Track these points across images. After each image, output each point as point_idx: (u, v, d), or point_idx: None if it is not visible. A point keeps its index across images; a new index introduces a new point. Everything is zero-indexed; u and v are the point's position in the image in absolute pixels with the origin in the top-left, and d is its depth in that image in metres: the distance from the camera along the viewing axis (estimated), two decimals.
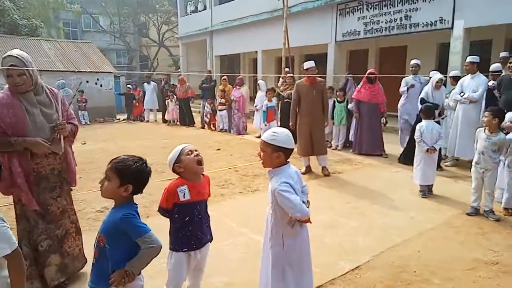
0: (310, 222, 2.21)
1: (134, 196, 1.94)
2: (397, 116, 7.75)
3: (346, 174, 6.11)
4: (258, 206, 4.60)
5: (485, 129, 4.24)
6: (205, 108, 11.68)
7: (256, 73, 15.90)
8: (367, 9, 10.98)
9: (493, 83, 6.17)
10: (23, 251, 2.34)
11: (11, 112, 2.56)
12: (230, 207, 4.67)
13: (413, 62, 7.47)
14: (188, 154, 2.28)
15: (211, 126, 11.59)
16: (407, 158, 6.33)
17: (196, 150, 2.32)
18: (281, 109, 9.00)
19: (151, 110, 14.61)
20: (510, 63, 5.55)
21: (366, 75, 7.43)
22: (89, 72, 14.52)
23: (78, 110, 13.45)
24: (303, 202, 2.15)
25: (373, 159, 7.14)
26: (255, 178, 5.92)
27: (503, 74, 6.03)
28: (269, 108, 9.10)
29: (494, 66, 6.51)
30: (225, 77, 11.17)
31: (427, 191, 5.01)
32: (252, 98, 11.94)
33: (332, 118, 7.97)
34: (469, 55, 6.71)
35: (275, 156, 2.15)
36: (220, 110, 11.03)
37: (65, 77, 13.64)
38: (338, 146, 8.12)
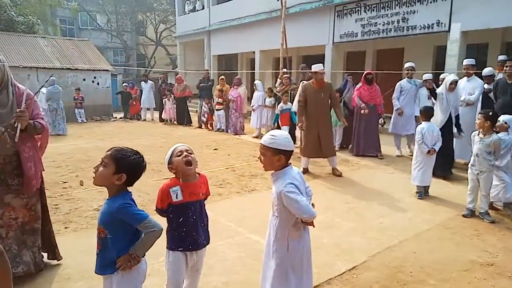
0: (314, 226, 2.22)
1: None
2: (390, 117, 7.77)
3: (343, 175, 6.13)
4: (255, 206, 4.64)
5: (478, 132, 4.29)
6: (203, 107, 11.68)
7: (254, 74, 15.91)
8: (365, 11, 11.03)
9: (488, 87, 6.23)
10: None
11: None
12: (227, 206, 4.67)
13: (407, 65, 7.45)
14: (178, 156, 2.25)
15: (208, 125, 11.59)
16: None
17: (187, 151, 2.28)
18: None
19: (148, 109, 14.59)
20: (506, 66, 5.60)
21: (364, 75, 7.46)
22: (86, 69, 14.47)
23: (75, 108, 13.41)
24: None
25: (370, 160, 7.18)
26: (252, 178, 5.93)
27: (500, 77, 6.08)
28: (284, 111, 8.13)
29: (486, 70, 6.56)
30: (222, 77, 11.18)
31: (423, 192, 5.04)
32: (250, 98, 11.95)
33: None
34: (465, 58, 6.76)
35: (275, 159, 2.14)
36: (217, 110, 11.03)
37: (61, 74, 13.63)
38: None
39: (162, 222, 2.03)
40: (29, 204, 2.89)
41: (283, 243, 2.21)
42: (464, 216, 4.32)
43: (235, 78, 10.94)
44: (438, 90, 6.14)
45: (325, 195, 5.12)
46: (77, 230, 3.87)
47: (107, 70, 15.17)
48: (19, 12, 17.75)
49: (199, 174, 2.39)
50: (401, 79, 7.66)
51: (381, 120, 7.66)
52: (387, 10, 10.42)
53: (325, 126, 6.13)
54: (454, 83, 5.83)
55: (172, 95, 12.76)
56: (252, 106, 10.02)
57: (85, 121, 13.62)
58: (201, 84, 12.04)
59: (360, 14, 11.16)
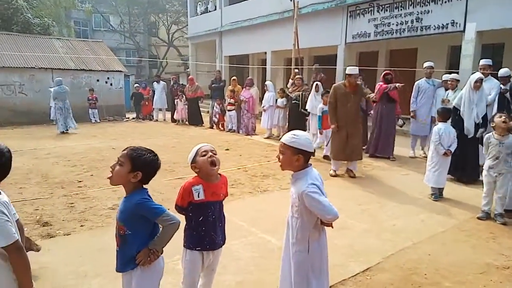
0: (332, 227, 2.21)
1: None
2: (409, 118, 7.71)
3: (356, 176, 6.10)
4: (268, 206, 4.65)
5: (493, 134, 4.22)
6: (214, 108, 11.73)
7: (265, 74, 15.91)
8: (378, 11, 10.96)
9: (504, 87, 6.13)
10: None
11: None
12: (240, 206, 4.69)
13: (426, 64, 7.39)
14: (203, 155, 2.26)
15: (220, 126, 11.63)
16: None
17: (212, 151, 2.29)
18: (290, 110, 9.03)
19: (160, 109, 14.71)
20: None
21: (383, 75, 7.40)
22: (99, 70, 14.67)
23: (89, 108, 13.61)
24: None
25: (382, 161, 7.13)
26: (264, 178, 5.94)
27: None
28: (325, 112, 7.00)
29: (502, 71, 6.44)
30: (234, 77, 11.21)
31: (438, 194, 4.99)
32: (261, 99, 11.96)
33: None
34: (481, 58, 6.66)
35: (294, 158, 2.12)
36: (229, 110, 11.07)
37: (75, 75, 13.86)
38: (363, 151, 7.98)
39: (176, 237, 2.04)
40: None
41: (304, 245, 2.17)
42: (479, 218, 4.27)
43: (247, 79, 10.96)
44: (462, 91, 5.83)
45: (338, 196, 5.08)
46: (92, 228, 3.94)
47: (120, 71, 15.36)
48: (35, 14, 18.11)
49: (220, 174, 2.39)
50: (414, 80, 7.58)
51: (400, 121, 7.57)
52: (401, 10, 10.34)
53: (355, 129, 6.07)
54: (480, 81, 5.48)
55: (184, 96, 12.85)
56: (263, 107, 10.04)
57: (98, 121, 13.80)
58: (213, 85, 12.10)
59: (373, 14, 11.10)
